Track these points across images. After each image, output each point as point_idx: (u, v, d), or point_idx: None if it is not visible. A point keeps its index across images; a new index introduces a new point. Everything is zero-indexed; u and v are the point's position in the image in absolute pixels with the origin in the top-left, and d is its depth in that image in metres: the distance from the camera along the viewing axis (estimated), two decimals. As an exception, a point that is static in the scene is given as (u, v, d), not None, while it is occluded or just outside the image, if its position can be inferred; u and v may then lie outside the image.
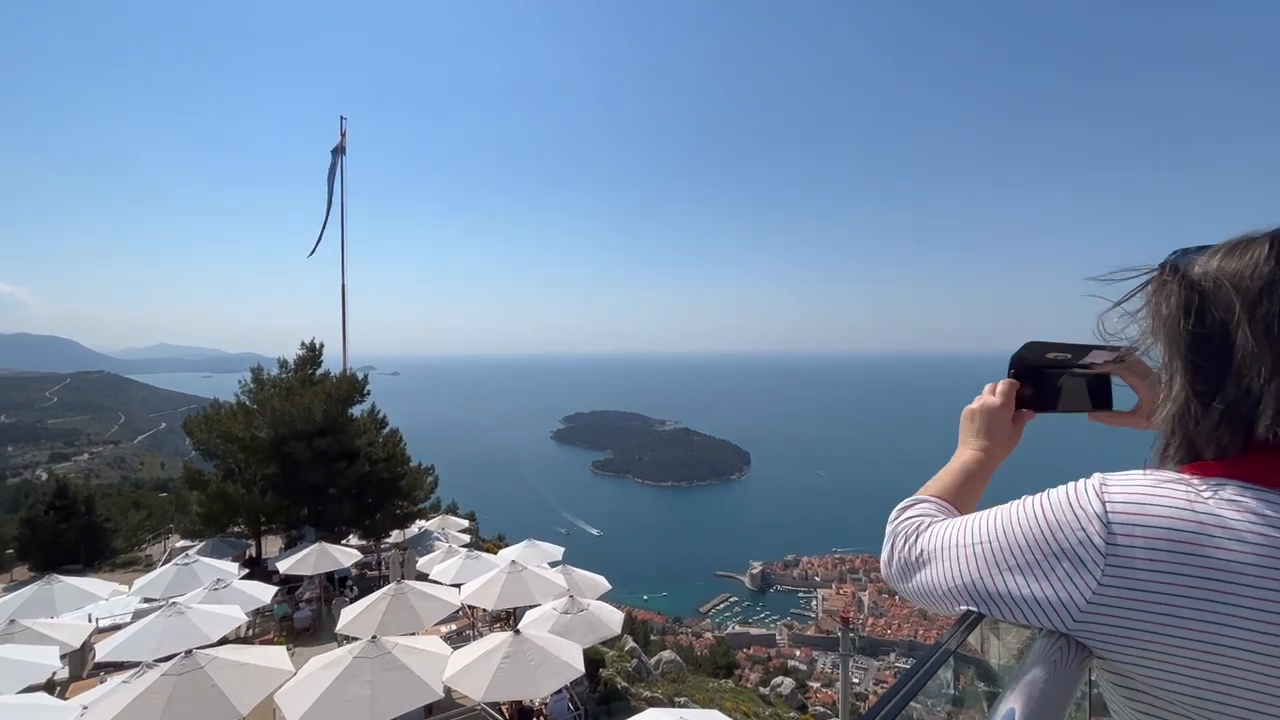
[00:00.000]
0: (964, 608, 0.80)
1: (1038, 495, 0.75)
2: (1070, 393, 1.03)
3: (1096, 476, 0.71)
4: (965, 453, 1.09)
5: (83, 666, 12.56)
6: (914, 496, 1.03)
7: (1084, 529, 0.67)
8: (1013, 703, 0.61)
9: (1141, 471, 0.71)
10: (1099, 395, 1.00)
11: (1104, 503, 0.67)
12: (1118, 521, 0.66)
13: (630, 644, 19.09)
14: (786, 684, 28.15)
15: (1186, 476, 0.67)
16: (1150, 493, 0.66)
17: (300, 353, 21.59)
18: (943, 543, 0.86)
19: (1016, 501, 0.78)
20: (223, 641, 10.77)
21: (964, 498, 1.02)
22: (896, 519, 0.99)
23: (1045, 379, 1.06)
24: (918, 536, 0.91)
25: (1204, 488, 0.64)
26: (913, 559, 0.90)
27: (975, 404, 1.12)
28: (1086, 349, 0.96)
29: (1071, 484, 0.72)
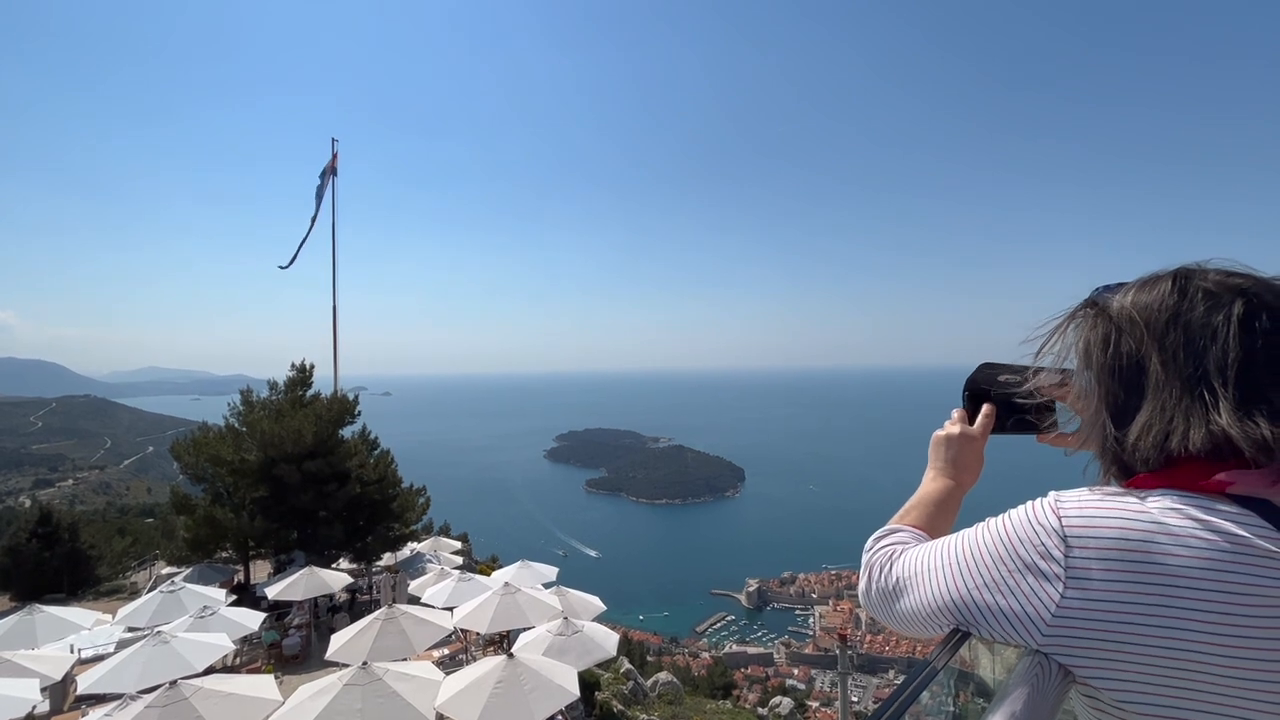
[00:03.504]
0: (948, 628, 0.82)
1: (1000, 516, 0.79)
2: (1020, 415, 1.06)
3: (1051, 494, 0.75)
4: (939, 481, 1.11)
5: (64, 699, 12.22)
6: (888, 526, 1.05)
7: (1044, 543, 0.71)
8: (996, 720, 0.61)
9: (1090, 488, 0.75)
10: (1045, 418, 1.04)
11: (1059, 518, 0.71)
12: (1073, 534, 0.69)
13: (626, 666, 18.82)
14: (785, 704, 27.78)
15: (1129, 490, 0.72)
16: (1099, 506, 0.70)
17: (290, 374, 21.40)
18: (917, 568, 0.88)
19: (981, 524, 0.82)
20: (209, 671, 10.52)
21: (937, 526, 1.04)
22: (872, 549, 1.01)
23: (996, 403, 1.09)
24: (891, 565, 0.93)
25: (1146, 498, 0.69)
26: (890, 587, 0.92)
27: (945, 430, 1.14)
28: (1034, 371, 1.00)
29: (1029, 503, 0.77)
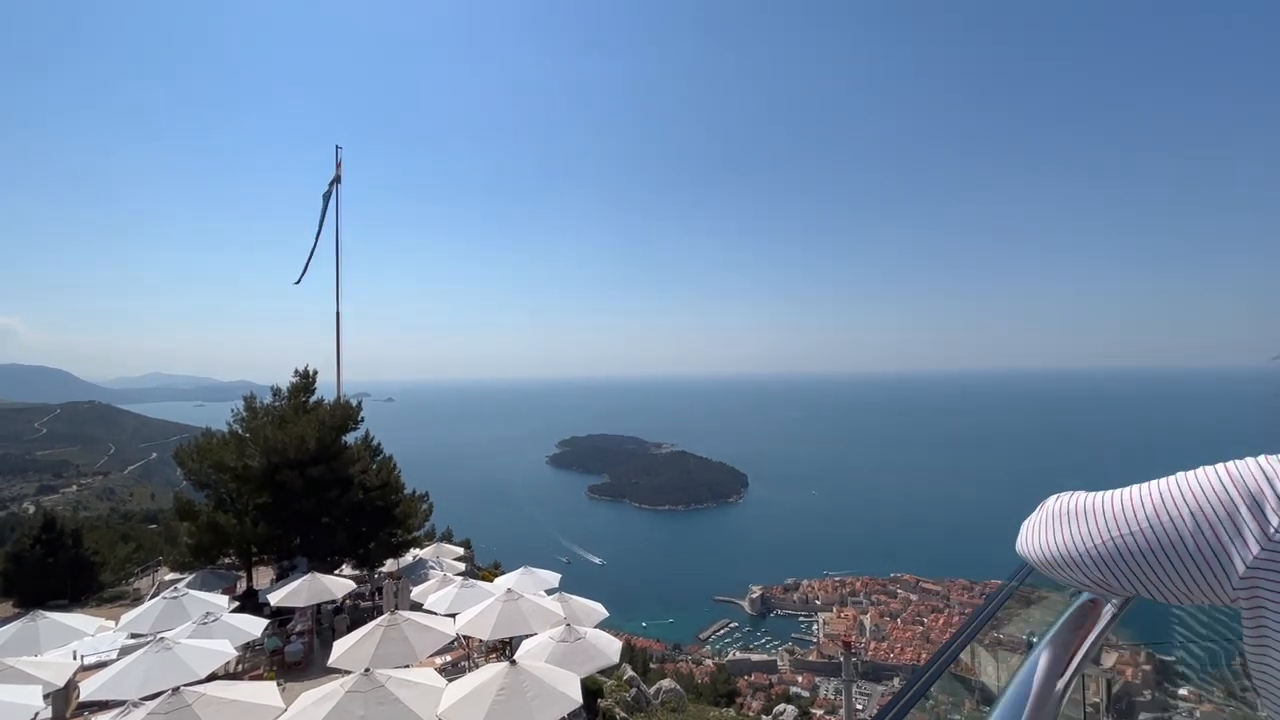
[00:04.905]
0: (1117, 568, 0.78)
1: (1207, 466, 0.75)
2: None
3: (1262, 456, 0.73)
4: None
5: (66, 706, 12.21)
6: None
7: (1271, 479, 0.70)
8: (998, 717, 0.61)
9: None
10: None
11: (1275, 465, 0.70)
12: None
13: (629, 673, 18.72)
14: (789, 711, 27.53)
15: None
16: None
17: (294, 380, 21.47)
18: (1103, 502, 0.81)
19: (1183, 473, 0.76)
20: (211, 678, 10.53)
21: None
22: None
23: None
24: (1073, 496, 0.84)
25: None
26: (1066, 510, 0.83)
27: None
28: None
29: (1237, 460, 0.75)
